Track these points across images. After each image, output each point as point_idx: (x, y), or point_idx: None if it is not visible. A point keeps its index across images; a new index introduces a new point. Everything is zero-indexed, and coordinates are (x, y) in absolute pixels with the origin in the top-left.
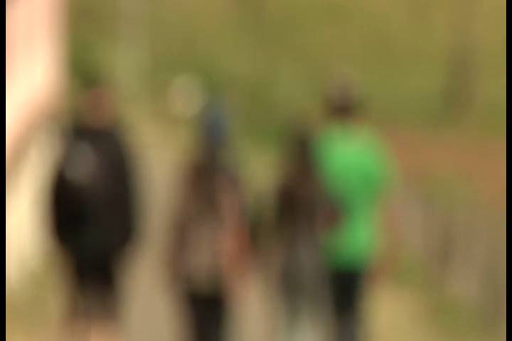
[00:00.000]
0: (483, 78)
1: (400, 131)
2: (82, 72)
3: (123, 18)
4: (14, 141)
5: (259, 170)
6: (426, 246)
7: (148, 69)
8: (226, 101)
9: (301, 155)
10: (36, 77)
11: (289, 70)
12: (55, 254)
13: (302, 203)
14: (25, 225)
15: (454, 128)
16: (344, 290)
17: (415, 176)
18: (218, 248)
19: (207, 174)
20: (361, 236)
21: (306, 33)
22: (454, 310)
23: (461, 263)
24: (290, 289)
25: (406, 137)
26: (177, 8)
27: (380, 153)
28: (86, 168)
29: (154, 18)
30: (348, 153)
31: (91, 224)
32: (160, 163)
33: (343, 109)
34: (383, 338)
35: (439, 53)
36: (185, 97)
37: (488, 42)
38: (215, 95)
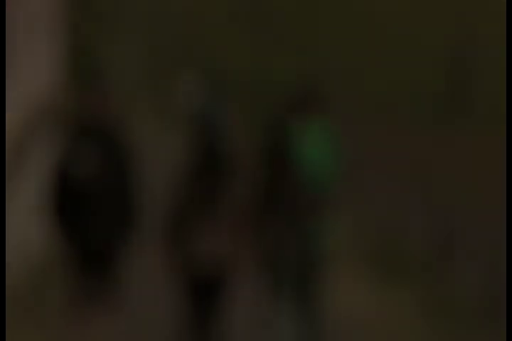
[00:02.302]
0: (484, 77)
1: (400, 128)
2: (83, 69)
3: (124, 14)
4: (15, 138)
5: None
6: (427, 243)
7: (149, 64)
8: (223, 97)
9: (277, 149)
10: (37, 73)
11: (290, 66)
12: (58, 246)
13: (285, 195)
14: (28, 218)
15: (453, 127)
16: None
17: (415, 173)
18: (220, 235)
19: (208, 165)
20: (314, 227)
21: (307, 28)
22: (456, 307)
23: (463, 260)
24: (280, 275)
25: (405, 135)
26: (177, 4)
27: (331, 147)
28: (89, 165)
29: (155, 14)
30: (303, 147)
31: (93, 216)
32: (161, 158)
33: (299, 104)
34: (385, 334)
35: (439, 51)
36: (187, 93)
37: (490, 40)
38: (212, 92)
